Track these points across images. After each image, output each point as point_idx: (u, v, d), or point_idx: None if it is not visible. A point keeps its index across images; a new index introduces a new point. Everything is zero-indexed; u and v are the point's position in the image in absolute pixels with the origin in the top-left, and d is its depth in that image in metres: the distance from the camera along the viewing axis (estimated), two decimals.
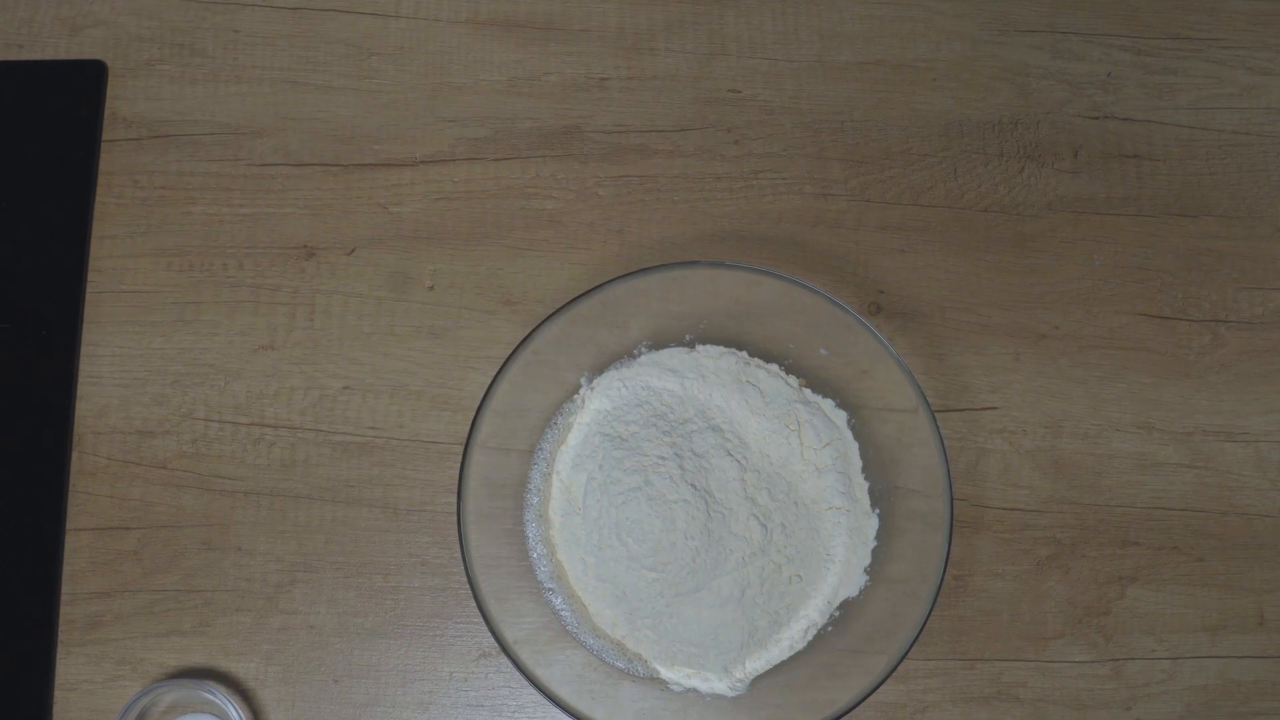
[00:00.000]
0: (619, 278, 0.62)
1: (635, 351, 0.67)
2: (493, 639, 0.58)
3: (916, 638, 0.58)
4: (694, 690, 0.62)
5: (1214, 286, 0.73)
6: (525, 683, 0.57)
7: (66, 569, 0.66)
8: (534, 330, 0.61)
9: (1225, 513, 0.69)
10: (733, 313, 0.66)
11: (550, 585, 0.64)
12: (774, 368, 0.67)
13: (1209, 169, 0.75)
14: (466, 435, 0.60)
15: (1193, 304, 0.72)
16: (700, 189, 0.73)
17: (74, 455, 0.68)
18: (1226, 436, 0.70)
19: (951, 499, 0.59)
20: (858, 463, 0.65)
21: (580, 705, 0.58)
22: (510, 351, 0.61)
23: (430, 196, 0.72)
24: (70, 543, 0.67)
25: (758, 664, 0.63)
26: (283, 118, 0.73)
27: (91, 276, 0.70)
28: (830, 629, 0.63)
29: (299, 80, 0.73)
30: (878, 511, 0.64)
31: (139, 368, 0.69)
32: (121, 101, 0.73)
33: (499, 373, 0.60)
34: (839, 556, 0.64)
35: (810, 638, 0.63)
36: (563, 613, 0.63)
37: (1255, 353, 0.72)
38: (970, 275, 0.72)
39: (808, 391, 0.67)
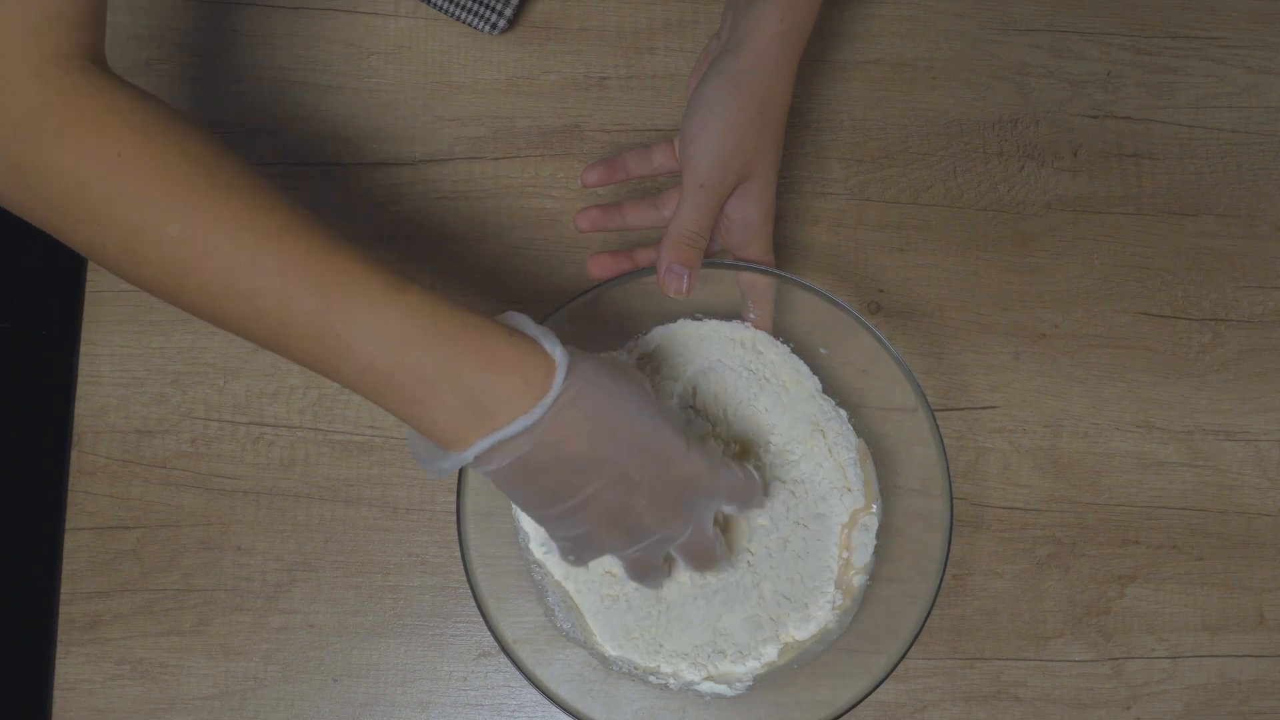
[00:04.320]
0: (618, 277, 0.62)
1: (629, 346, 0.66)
2: (492, 638, 0.58)
3: (916, 637, 0.57)
4: (693, 689, 0.62)
5: (1214, 285, 0.73)
6: (525, 682, 0.57)
7: (66, 569, 0.66)
8: None
9: (1225, 512, 0.69)
10: (732, 312, 0.66)
11: (549, 584, 0.64)
12: (785, 348, 0.66)
13: (1208, 168, 0.75)
14: None
15: (1192, 303, 0.72)
16: None
17: (73, 454, 0.68)
18: (1226, 435, 0.70)
19: (951, 498, 0.59)
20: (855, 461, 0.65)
21: (579, 704, 0.58)
22: None
23: (430, 196, 0.72)
24: (70, 542, 0.67)
25: (756, 663, 0.62)
26: (282, 118, 0.73)
27: (91, 276, 0.70)
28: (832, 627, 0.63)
29: (298, 80, 0.73)
30: (877, 510, 0.64)
31: (138, 367, 0.69)
32: None
33: None
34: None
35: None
36: (560, 612, 0.63)
37: (1255, 351, 0.72)
38: (970, 274, 0.72)
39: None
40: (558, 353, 0.47)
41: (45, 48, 0.45)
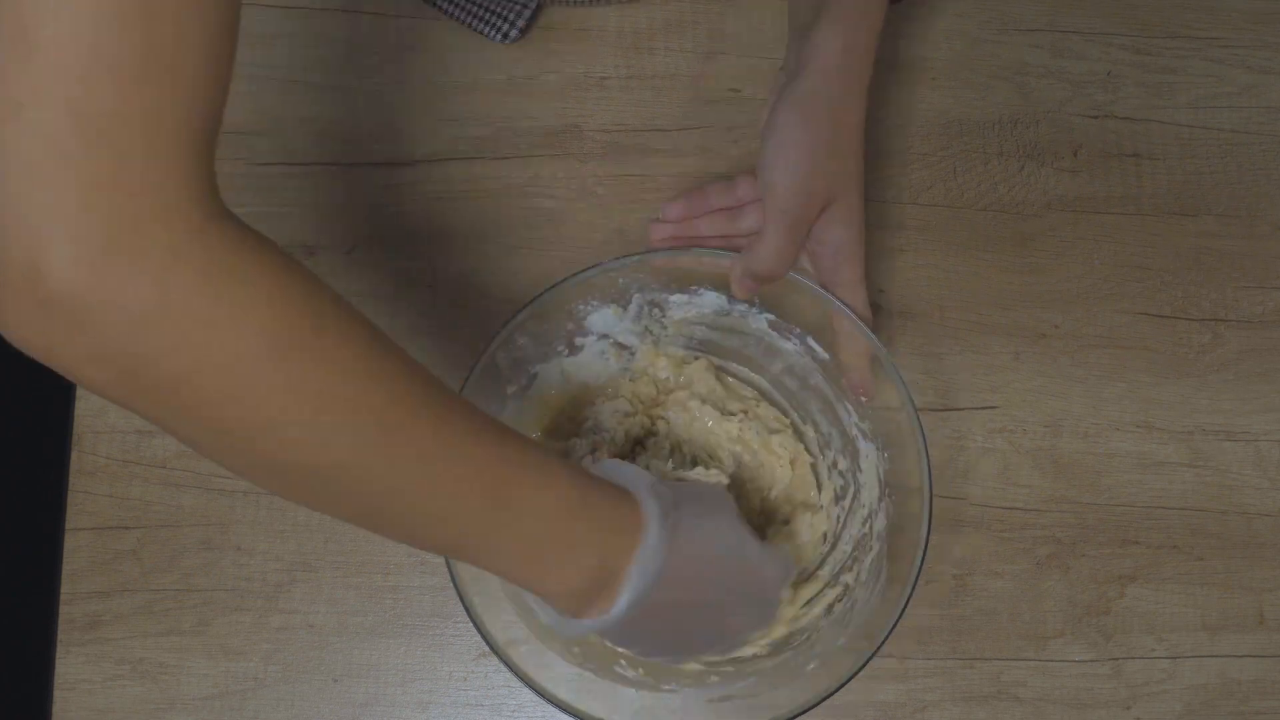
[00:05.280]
0: (604, 262, 0.61)
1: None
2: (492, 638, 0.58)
3: (889, 634, 0.57)
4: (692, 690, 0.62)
5: (1214, 285, 0.73)
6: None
7: (66, 569, 0.66)
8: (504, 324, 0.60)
9: (1225, 512, 0.69)
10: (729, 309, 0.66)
11: None
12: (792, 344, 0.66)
13: (1208, 168, 0.75)
14: None
15: (1192, 303, 0.72)
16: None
17: (73, 455, 0.68)
18: (1226, 435, 0.70)
19: (931, 492, 0.58)
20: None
21: (579, 705, 0.58)
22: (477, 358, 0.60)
23: (430, 196, 0.72)
24: (70, 542, 0.67)
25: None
26: (283, 118, 0.73)
27: None
28: (825, 624, 0.63)
29: (299, 80, 0.73)
30: (885, 510, 0.64)
31: None
32: None
33: (470, 375, 0.60)
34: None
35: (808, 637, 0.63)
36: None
37: (1255, 352, 0.72)
38: (970, 275, 0.72)
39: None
40: (651, 510, 0.50)
41: (193, 198, 0.36)
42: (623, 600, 0.48)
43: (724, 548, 0.54)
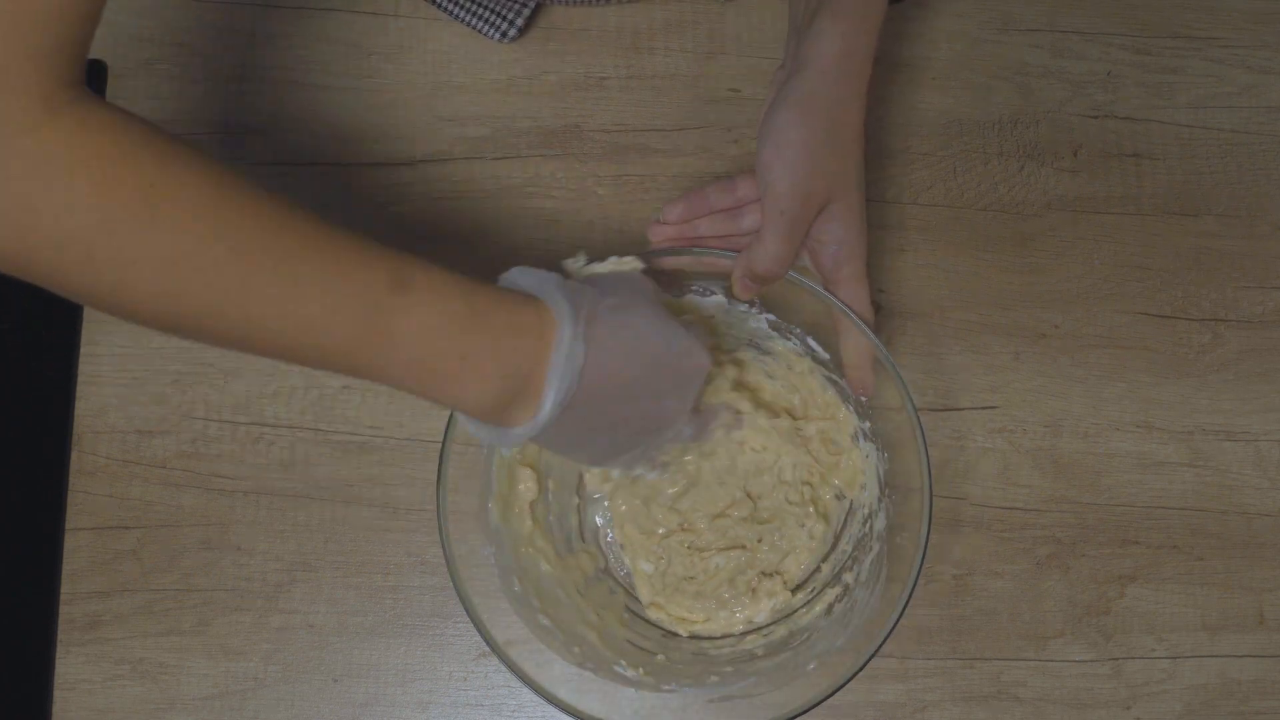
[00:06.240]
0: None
1: None
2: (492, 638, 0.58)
3: (889, 634, 0.57)
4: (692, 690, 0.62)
5: (1214, 285, 0.73)
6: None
7: (66, 568, 0.66)
8: None
9: (1225, 512, 0.69)
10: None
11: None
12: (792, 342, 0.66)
13: (1209, 168, 0.75)
14: (444, 432, 0.59)
15: (1192, 303, 0.72)
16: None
17: (73, 455, 0.68)
18: (1226, 435, 0.70)
19: (931, 492, 0.58)
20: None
21: (580, 705, 0.58)
22: None
23: (430, 196, 0.72)
24: (70, 542, 0.67)
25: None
26: (282, 118, 0.73)
27: None
28: (825, 624, 0.63)
29: (299, 80, 0.73)
30: (884, 509, 0.64)
31: (138, 367, 0.69)
32: (121, 101, 0.73)
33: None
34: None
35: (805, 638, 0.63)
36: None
37: (1255, 352, 0.72)
38: (970, 275, 0.72)
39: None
40: (562, 310, 0.50)
41: (51, 76, 0.42)
42: (548, 401, 0.49)
43: (645, 335, 0.53)
